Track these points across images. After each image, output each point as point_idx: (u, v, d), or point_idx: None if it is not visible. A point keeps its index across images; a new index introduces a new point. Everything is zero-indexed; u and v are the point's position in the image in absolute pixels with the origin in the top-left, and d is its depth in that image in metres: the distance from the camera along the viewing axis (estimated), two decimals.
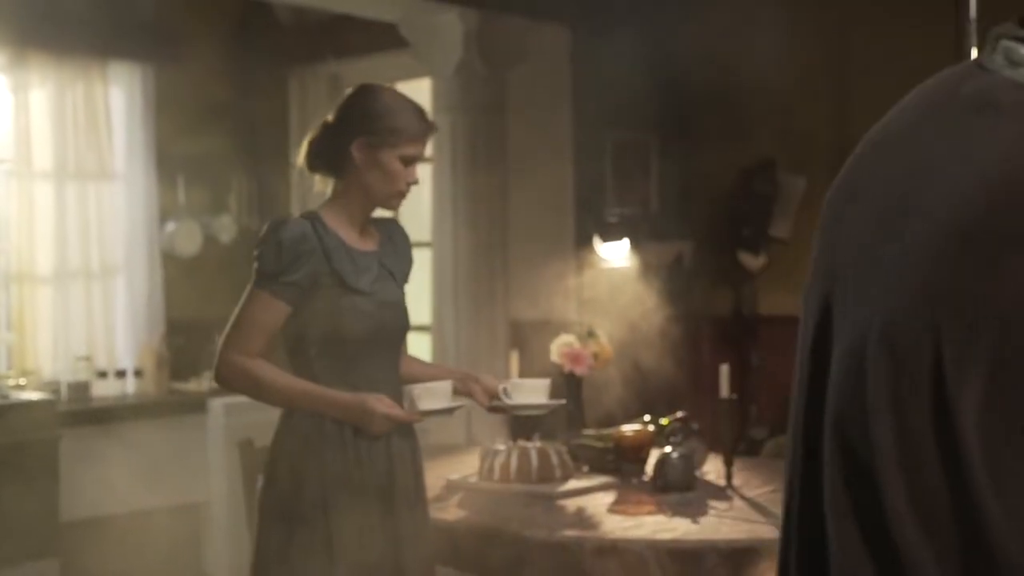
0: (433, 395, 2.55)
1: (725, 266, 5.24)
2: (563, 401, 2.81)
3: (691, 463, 3.10)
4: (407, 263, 2.71)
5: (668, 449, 3.11)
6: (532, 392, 2.75)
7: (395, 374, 2.62)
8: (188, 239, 5.81)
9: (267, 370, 2.47)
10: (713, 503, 2.94)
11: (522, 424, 3.48)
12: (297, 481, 2.48)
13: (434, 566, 2.64)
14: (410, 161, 2.53)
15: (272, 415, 5.45)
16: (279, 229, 2.45)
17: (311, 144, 2.58)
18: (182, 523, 5.32)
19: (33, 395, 4.88)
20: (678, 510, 2.85)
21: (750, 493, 3.05)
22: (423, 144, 2.59)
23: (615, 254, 4.86)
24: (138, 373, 5.45)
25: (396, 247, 2.67)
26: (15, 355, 5.22)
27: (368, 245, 2.57)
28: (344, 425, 2.48)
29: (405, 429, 2.56)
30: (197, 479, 5.35)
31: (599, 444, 3.37)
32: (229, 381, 2.52)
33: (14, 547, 4.52)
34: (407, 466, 2.56)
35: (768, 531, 2.62)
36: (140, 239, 5.56)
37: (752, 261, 5.08)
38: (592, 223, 4.98)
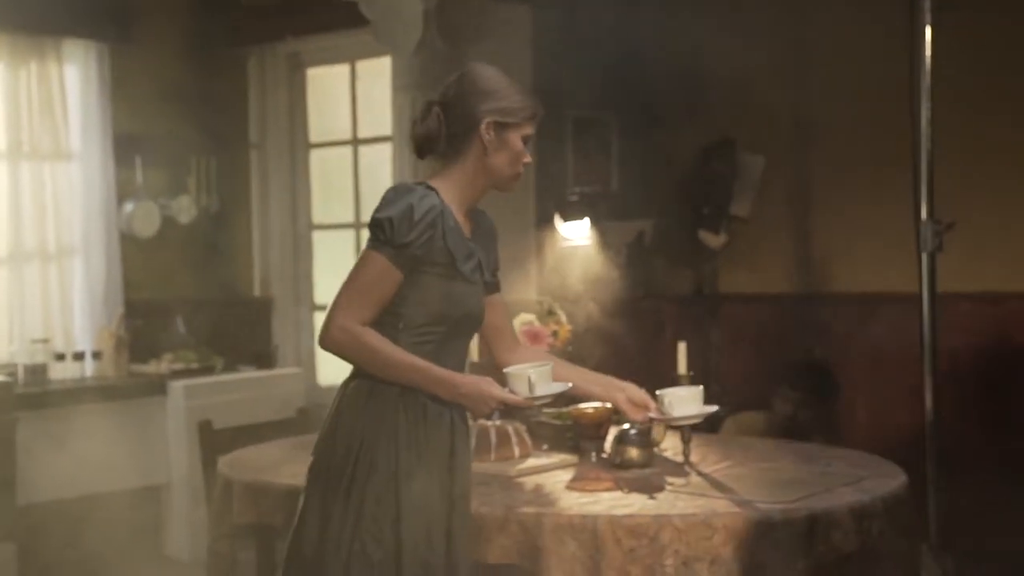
0: (545, 380, 2.53)
1: (686, 245, 5.25)
2: (717, 407, 2.75)
3: (649, 440, 3.11)
4: (495, 257, 2.71)
5: (626, 426, 3.11)
6: (690, 402, 2.72)
7: (464, 361, 2.64)
8: (146, 220, 5.75)
9: (380, 339, 2.41)
10: (670, 479, 2.95)
11: None
12: (370, 457, 2.43)
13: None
14: (527, 141, 2.54)
15: (232, 397, 5.41)
16: (410, 194, 2.41)
17: (423, 128, 2.52)
18: (143, 506, 5.29)
19: None
20: (635, 486, 2.85)
21: (707, 469, 3.06)
22: (536, 125, 2.57)
23: (576, 233, 4.86)
24: (96, 355, 5.40)
25: (487, 239, 2.66)
26: None
27: (468, 231, 2.56)
28: (419, 403, 2.45)
29: (463, 411, 2.54)
30: (157, 461, 5.32)
31: (558, 422, 3.37)
32: (341, 346, 2.41)
33: None
34: (466, 446, 2.57)
35: (723, 506, 2.64)
36: (97, 220, 5.50)
37: (712, 240, 5.10)
38: (553, 202, 4.97)
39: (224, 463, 3.30)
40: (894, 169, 4.14)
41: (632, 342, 5.11)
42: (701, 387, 2.78)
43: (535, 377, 2.50)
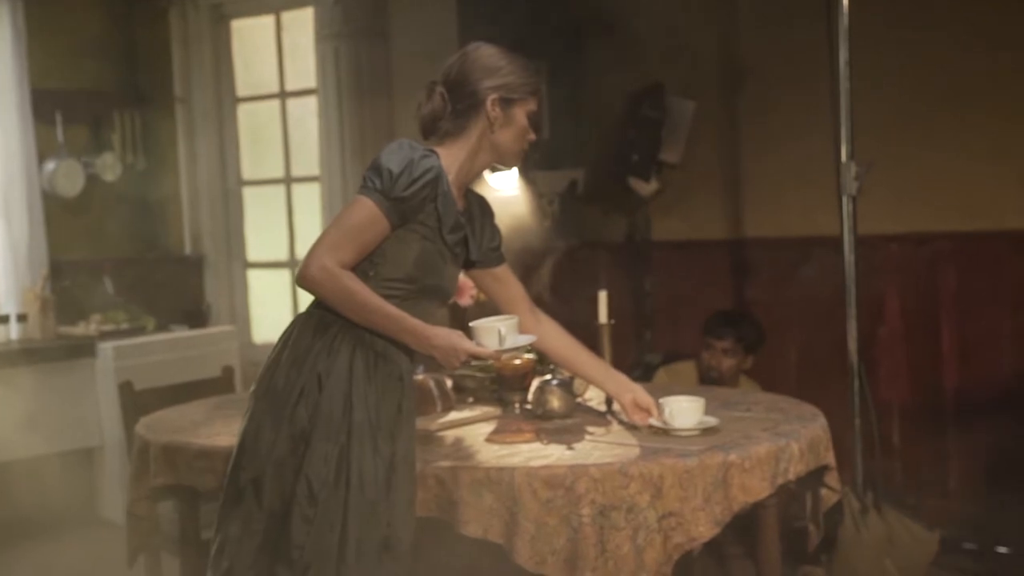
0: (512, 332, 2.52)
1: (617, 193, 5.22)
2: (716, 421, 2.78)
3: (570, 390, 3.09)
4: (491, 231, 2.71)
5: (548, 377, 3.09)
6: (692, 414, 2.76)
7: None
8: (69, 179, 5.63)
9: (358, 283, 2.40)
10: (591, 429, 2.93)
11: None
12: (346, 405, 2.40)
13: None
14: (532, 117, 2.54)
15: (164, 357, 5.33)
16: (412, 150, 2.40)
17: (431, 109, 2.52)
18: (76, 469, 5.22)
19: None
20: (555, 437, 2.84)
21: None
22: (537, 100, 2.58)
23: (504, 183, 4.80)
24: (22, 318, 5.29)
25: (482, 216, 2.67)
26: None
27: (461, 207, 2.56)
28: (373, 351, 2.44)
29: (411, 371, 2.56)
30: (90, 424, 5.24)
31: (482, 375, 3.35)
32: (318, 285, 2.39)
33: None
34: (412, 406, 2.58)
35: (639, 454, 2.63)
36: (18, 180, 5.37)
37: (643, 187, 5.07)
38: None
39: (142, 425, 3.25)
40: (820, 112, 4.14)
41: (566, 291, 5.09)
42: (704, 400, 2.82)
43: (504, 330, 2.51)
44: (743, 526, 2.97)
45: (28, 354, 5.12)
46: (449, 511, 2.59)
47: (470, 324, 2.54)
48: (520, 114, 2.53)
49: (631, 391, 2.81)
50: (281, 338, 2.52)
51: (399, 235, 2.43)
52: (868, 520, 3.77)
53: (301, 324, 2.50)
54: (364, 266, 2.44)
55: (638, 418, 2.80)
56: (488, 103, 2.49)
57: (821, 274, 4.78)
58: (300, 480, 2.38)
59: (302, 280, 2.41)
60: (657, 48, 5.12)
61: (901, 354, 4.80)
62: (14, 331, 5.28)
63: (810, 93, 4.64)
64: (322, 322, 2.46)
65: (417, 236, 2.45)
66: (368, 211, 2.39)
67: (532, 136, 2.58)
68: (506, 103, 2.50)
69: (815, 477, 2.94)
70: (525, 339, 2.56)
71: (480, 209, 2.67)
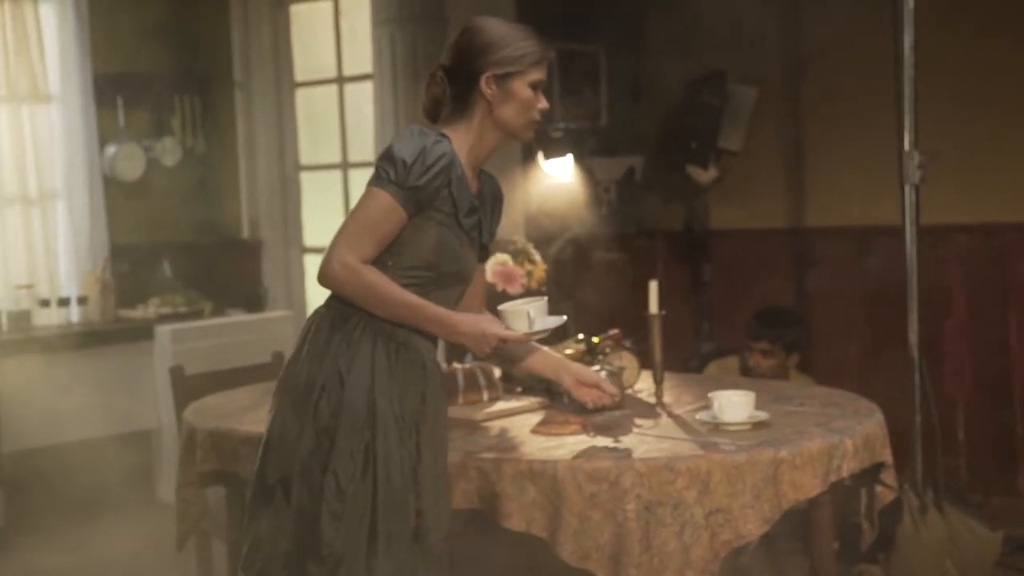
0: (542, 314, 2.50)
1: (675, 180, 5.14)
2: (767, 415, 2.73)
3: (619, 381, 3.03)
4: (497, 222, 2.64)
5: (596, 367, 3.04)
6: (742, 407, 2.71)
7: None
8: (130, 163, 5.67)
9: (380, 277, 2.36)
10: (640, 421, 2.87)
11: (454, 345, 3.41)
12: (369, 398, 2.37)
13: None
14: (538, 86, 2.47)
15: (220, 341, 5.35)
16: (424, 137, 2.36)
17: (432, 94, 2.49)
18: (133, 451, 5.27)
19: None
20: (602, 429, 2.78)
21: (679, 410, 2.99)
22: (546, 67, 2.50)
23: (559, 170, 4.75)
24: (82, 301, 5.35)
25: (493, 203, 2.60)
26: None
27: (475, 190, 2.50)
28: (395, 341, 2.40)
29: (435, 358, 2.52)
30: (146, 406, 5.29)
31: None
32: (340, 282, 2.35)
33: None
34: (440, 393, 2.52)
35: (688, 449, 2.56)
36: (80, 164, 5.42)
37: (702, 175, 4.98)
38: (535, 138, 4.85)
39: (190, 410, 3.25)
40: (886, 100, 4.03)
41: (623, 280, 5.03)
42: (754, 394, 2.75)
43: (534, 312, 2.47)
44: (798, 521, 2.91)
45: (88, 337, 5.18)
46: (491, 504, 2.55)
47: (498, 308, 2.50)
48: (520, 87, 2.43)
49: (567, 369, 2.67)
50: (301, 334, 2.48)
51: (416, 223, 2.38)
52: (928, 519, 3.67)
53: (319, 319, 2.46)
54: (383, 257, 2.39)
55: (585, 396, 2.65)
56: (482, 82, 2.41)
57: (884, 265, 4.66)
58: (327, 476, 2.34)
59: (324, 279, 2.37)
60: (718, 34, 5.02)
61: (967, 348, 4.66)
62: (75, 314, 5.34)
63: (874, 79, 4.53)
64: (340, 315, 2.41)
65: (434, 223, 2.39)
66: (384, 202, 2.34)
67: (542, 105, 2.48)
68: (502, 79, 2.41)
69: (871, 474, 2.86)
70: (554, 321, 2.52)
71: (491, 193, 2.60)
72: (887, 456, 2.83)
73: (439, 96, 2.48)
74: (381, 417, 2.37)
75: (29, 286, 5.22)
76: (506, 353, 2.65)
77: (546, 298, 2.56)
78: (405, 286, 2.39)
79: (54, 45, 5.35)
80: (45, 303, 5.23)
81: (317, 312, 2.49)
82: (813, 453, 2.57)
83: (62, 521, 4.87)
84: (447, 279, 2.47)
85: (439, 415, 2.49)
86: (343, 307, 2.41)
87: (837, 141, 4.91)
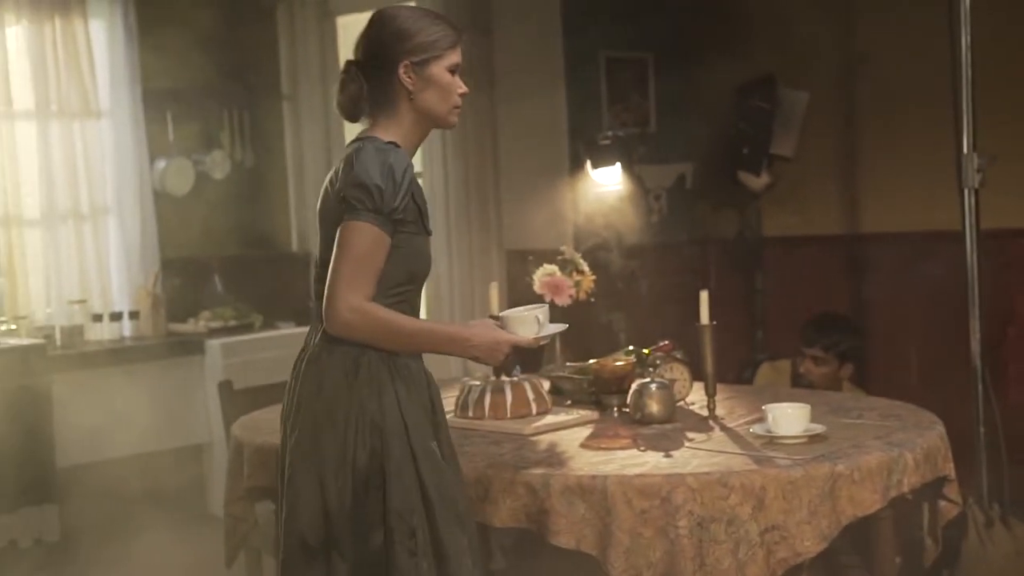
0: (546, 319, 2.49)
1: (726, 187, 5.06)
2: (823, 428, 2.68)
3: (670, 393, 2.97)
4: None
5: (647, 379, 2.98)
6: (797, 420, 2.66)
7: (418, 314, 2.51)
8: (180, 177, 5.69)
9: (388, 312, 2.30)
10: (691, 435, 2.81)
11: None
12: (406, 437, 2.32)
13: None
14: (456, 70, 2.41)
15: (271, 354, 5.34)
16: (384, 154, 2.27)
17: (348, 93, 2.41)
18: (185, 465, 5.28)
19: (25, 340, 4.81)
20: (652, 443, 2.72)
21: (732, 423, 2.92)
22: (460, 50, 2.43)
23: (608, 178, 4.69)
24: (133, 315, 5.37)
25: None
26: (7, 300, 5.15)
27: None
28: (403, 363, 2.36)
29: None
30: (198, 421, 5.30)
31: (579, 376, 3.25)
32: (353, 327, 2.26)
33: (11, 493, 4.49)
34: (441, 401, 2.50)
35: (741, 463, 2.49)
36: (130, 178, 5.44)
37: (753, 181, 4.90)
38: (584, 147, 4.80)
39: (237, 425, 3.24)
40: (942, 101, 3.92)
41: (674, 288, 4.96)
42: (809, 406, 2.69)
43: (543, 317, 2.45)
44: (858, 535, 2.82)
45: (140, 351, 5.19)
46: (540, 521, 2.50)
47: (501, 314, 2.48)
48: (439, 72, 2.36)
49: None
50: (300, 390, 2.37)
51: (394, 241, 2.30)
52: (994, 534, 3.55)
53: (324, 370, 2.34)
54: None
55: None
56: (401, 71, 2.34)
57: (944, 271, 4.53)
58: (392, 519, 2.29)
59: (336, 328, 2.27)
60: (768, 37, 4.94)
61: None
62: (127, 328, 5.36)
63: (930, 80, 4.40)
64: (348, 359, 2.32)
65: (405, 236, 2.32)
66: (370, 235, 2.25)
67: (462, 89, 2.41)
68: (420, 65, 2.35)
69: (933, 488, 2.77)
70: (557, 327, 2.52)
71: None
72: (950, 470, 2.75)
73: (356, 93, 2.39)
74: (420, 448, 2.34)
75: (82, 301, 5.24)
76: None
77: (547, 305, 2.54)
78: (394, 305, 2.34)
79: (104, 61, 5.38)
80: (97, 318, 5.26)
81: (309, 366, 2.36)
82: (872, 467, 2.49)
83: (116, 536, 4.88)
84: (421, 281, 2.44)
85: (443, 412, 2.48)
86: (345, 350, 2.32)
87: (892, 144, 4.80)
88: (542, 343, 2.50)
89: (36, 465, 4.60)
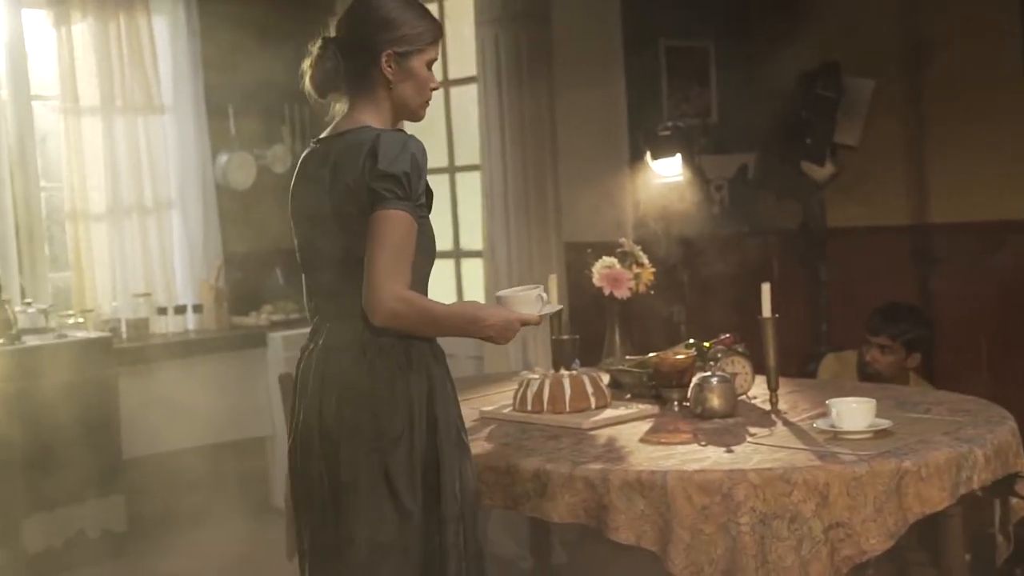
0: (547, 298, 2.53)
1: (789, 177, 4.98)
2: (889, 423, 2.62)
3: (731, 388, 2.92)
4: None
5: (708, 373, 2.93)
6: (862, 415, 2.62)
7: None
8: (242, 171, 5.74)
9: (425, 299, 2.32)
10: (753, 430, 2.76)
11: (561, 351, 3.34)
12: (432, 417, 2.35)
13: None
14: (431, 65, 2.42)
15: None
16: (401, 140, 2.29)
17: (324, 69, 2.40)
18: (248, 457, 5.33)
19: (92, 333, 4.88)
20: (713, 438, 2.68)
21: (795, 418, 2.86)
22: (439, 45, 2.46)
23: (668, 169, 4.63)
24: (197, 308, 5.43)
25: None
26: (74, 294, 5.23)
27: None
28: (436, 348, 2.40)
29: None
30: (260, 413, 5.34)
31: (639, 370, 3.21)
32: (399, 316, 2.25)
33: (78, 484, 4.56)
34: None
35: (804, 459, 2.44)
36: (193, 173, 5.50)
37: (817, 171, 4.82)
38: (643, 137, 4.75)
39: None
40: (1013, 86, 3.83)
41: (736, 280, 4.89)
42: (874, 401, 2.64)
43: (545, 295, 2.49)
44: (927, 532, 2.76)
45: (203, 344, 5.25)
46: (599, 517, 2.47)
47: (502, 294, 2.48)
48: (419, 65, 2.38)
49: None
50: (342, 391, 2.33)
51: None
52: None
53: (375, 365, 2.32)
54: None
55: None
56: (383, 59, 2.34)
57: (1015, 262, 4.43)
58: (446, 512, 2.33)
59: (382, 317, 2.25)
60: (831, 24, 4.84)
61: None
62: (191, 321, 5.42)
63: (1000, 65, 4.30)
64: (398, 351, 2.32)
65: (424, 219, 2.35)
66: (404, 223, 2.25)
67: (435, 85, 2.43)
68: (402, 56, 2.36)
69: (1004, 485, 2.69)
70: (554, 307, 2.55)
71: None
72: (1022, 466, 2.67)
73: (332, 72, 2.39)
74: (463, 438, 2.41)
75: (147, 294, 5.31)
76: None
77: (542, 286, 2.56)
78: (417, 288, 2.34)
79: (167, 57, 5.44)
80: (162, 311, 5.32)
81: (360, 357, 2.32)
82: (940, 464, 2.43)
83: (181, 526, 4.93)
84: (432, 262, 2.46)
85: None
86: (396, 340, 2.32)
87: (961, 132, 4.68)
88: (543, 320, 2.52)
89: (103, 456, 4.67)
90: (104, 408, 4.71)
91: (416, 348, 2.34)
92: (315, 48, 2.43)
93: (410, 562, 2.32)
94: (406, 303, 2.25)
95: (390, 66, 2.36)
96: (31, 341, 4.62)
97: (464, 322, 2.38)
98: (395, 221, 2.25)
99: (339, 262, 2.31)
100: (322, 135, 2.46)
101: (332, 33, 2.46)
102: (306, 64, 2.44)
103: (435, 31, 2.42)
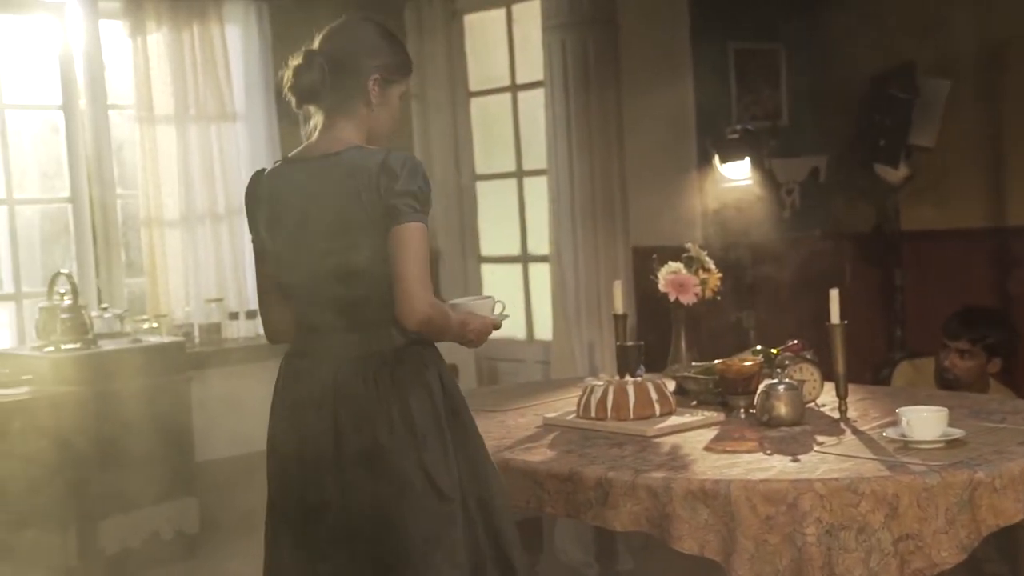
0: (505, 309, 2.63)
1: (862, 180, 4.89)
2: (962, 433, 2.57)
3: (799, 395, 2.87)
4: None
5: (775, 380, 2.89)
6: (933, 424, 2.56)
7: None
8: None
9: (441, 303, 2.45)
10: (821, 438, 2.71)
11: (625, 358, 3.31)
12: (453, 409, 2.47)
13: None
14: (402, 98, 2.54)
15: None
16: (414, 160, 2.39)
17: (307, 78, 2.47)
18: None
19: (165, 338, 4.96)
20: (779, 447, 2.64)
21: (865, 427, 2.81)
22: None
23: (737, 172, 4.58)
24: None
25: None
26: (148, 299, 5.32)
27: None
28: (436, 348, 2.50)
29: None
30: None
31: (705, 377, 3.17)
32: (433, 323, 2.36)
33: (152, 487, 4.63)
34: None
35: (872, 469, 2.39)
36: None
37: (891, 173, 4.72)
38: (711, 141, 4.69)
39: None
40: None
41: (807, 285, 4.81)
42: (947, 410, 2.59)
43: (500, 304, 2.59)
44: (1004, 541, 2.69)
45: (274, 348, 5.24)
46: (662, 525, 2.44)
47: (463, 302, 2.55)
48: (395, 94, 2.49)
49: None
50: (374, 405, 2.37)
51: None
52: None
53: (403, 372, 2.39)
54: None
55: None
56: (370, 82, 2.43)
57: None
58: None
59: (417, 323, 2.33)
60: (906, 23, 4.75)
61: None
62: (261, 326, 5.45)
63: None
64: (416, 358, 2.41)
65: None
66: (424, 234, 2.35)
67: (398, 119, 2.53)
68: (385, 83, 2.45)
69: None
70: (506, 315, 2.62)
71: None
72: None
73: (318, 84, 2.45)
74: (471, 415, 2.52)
75: (219, 299, 5.38)
76: None
77: (492, 296, 2.63)
78: None
79: (239, 65, 5.51)
80: (234, 316, 5.39)
81: (402, 360, 2.39)
82: (1015, 475, 2.36)
83: (252, 528, 4.98)
84: None
85: None
86: (417, 348, 2.41)
87: None
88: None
89: (176, 459, 4.73)
90: (177, 411, 4.78)
91: (428, 350, 2.44)
92: (298, 58, 2.50)
93: (457, 549, 2.36)
94: (436, 308, 2.37)
95: (374, 89, 2.44)
96: (107, 345, 4.70)
97: (459, 327, 2.46)
98: (417, 232, 2.34)
99: (351, 275, 2.38)
100: (306, 153, 2.51)
101: (315, 46, 2.52)
102: (288, 73, 2.51)
103: (410, 65, 2.55)
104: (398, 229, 2.31)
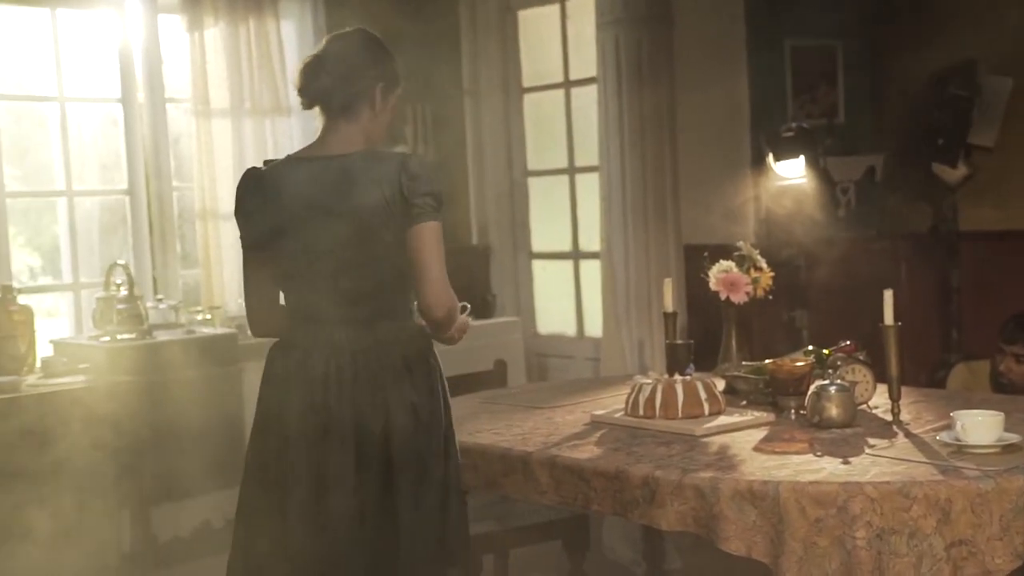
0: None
1: (920, 179, 4.82)
2: (1019, 438, 2.51)
3: (850, 397, 2.84)
4: None
5: (826, 381, 2.85)
6: (989, 429, 2.51)
7: None
8: None
9: None
10: (873, 441, 2.68)
11: (675, 357, 3.29)
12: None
13: None
14: (394, 111, 2.68)
15: (445, 347, 5.45)
16: (427, 162, 2.62)
17: (318, 83, 2.58)
18: None
19: (218, 329, 5.01)
20: (830, 448, 2.60)
21: (917, 430, 2.77)
22: None
23: (792, 171, 4.53)
24: None
25: None
26: (203, 291, 5.38)
27: None
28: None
29: None
30: None
31: (755, 377, 3.14)
32: (453, 312, 2.62)
33: (204, 476, 4.68)
34: None
35: (924, 473, 2.35)
36: None
37: (950, 173, 4.65)
38: (765, 139, 4.65)
39: None
40: None
41: (862, 285, 4.76)
42: (1003, 414, 2.53)
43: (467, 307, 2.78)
44: None
45: None
46: (709, 526, 2.42)
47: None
48: (392, 104, 2.65)
49: None
50: (415, 398, 2.60)
51: None
52: None
53: (426, 360, 2.66)
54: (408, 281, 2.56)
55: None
56: (378, 92, 2.58)
57: None
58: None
59: (442, 314, 2.56)
60: (967, 20, 4.67)
61: None
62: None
63: None
64: (426, 342, 2.69)
65: None
66: (441, 232, 2.54)
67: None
68: (388, 92, 2.62)
69: None
70: (470, 321, 2.83)
71: None
72: None
73: (329, 88, 2.56)
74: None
75: None
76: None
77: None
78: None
79: (294, 60, 5.53)
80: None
81: (426, 359, 2.67)
82: None
83: None
84: None
85: None
86: (425, 333, 2.65)
87: None
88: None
89: (228, 449, 4.77)
90: (229, 402, 4.82)
91: (428, 340, 2.69)
92: (307, 61, 2.62)
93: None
94: (455, 301, 2.60)
95: (380, 96, 2.59)
96: (161, 336, 4.76)
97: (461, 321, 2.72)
98: (438, 231, 2.53)
99: (361, 268, 2.50)
100: (312, 153, 2.62)
101: (323, 51, 2.64)
102: (299, 76, 2.63)
103: (401, 78, 2.69)
104: (422, 227, 2.47)
